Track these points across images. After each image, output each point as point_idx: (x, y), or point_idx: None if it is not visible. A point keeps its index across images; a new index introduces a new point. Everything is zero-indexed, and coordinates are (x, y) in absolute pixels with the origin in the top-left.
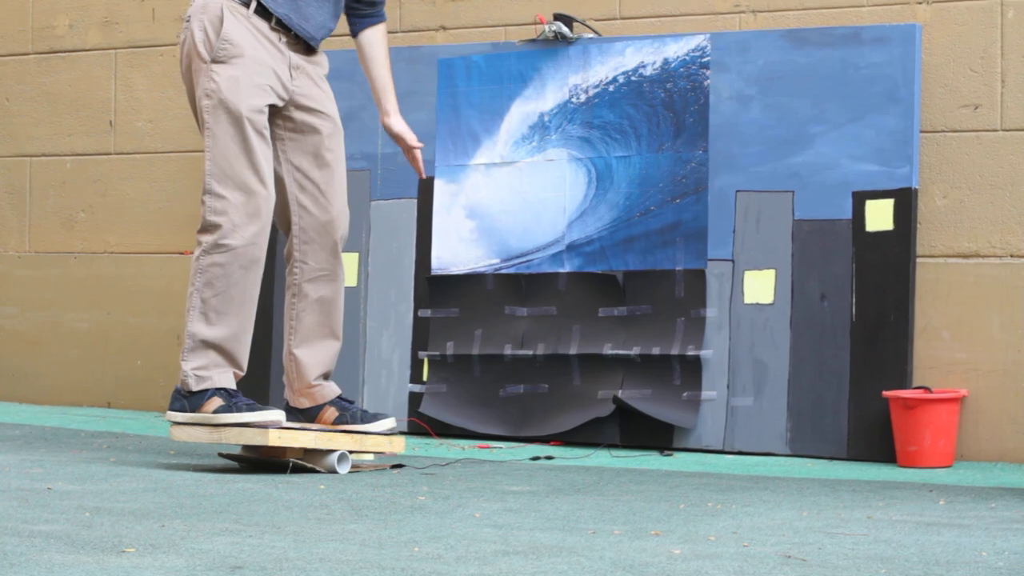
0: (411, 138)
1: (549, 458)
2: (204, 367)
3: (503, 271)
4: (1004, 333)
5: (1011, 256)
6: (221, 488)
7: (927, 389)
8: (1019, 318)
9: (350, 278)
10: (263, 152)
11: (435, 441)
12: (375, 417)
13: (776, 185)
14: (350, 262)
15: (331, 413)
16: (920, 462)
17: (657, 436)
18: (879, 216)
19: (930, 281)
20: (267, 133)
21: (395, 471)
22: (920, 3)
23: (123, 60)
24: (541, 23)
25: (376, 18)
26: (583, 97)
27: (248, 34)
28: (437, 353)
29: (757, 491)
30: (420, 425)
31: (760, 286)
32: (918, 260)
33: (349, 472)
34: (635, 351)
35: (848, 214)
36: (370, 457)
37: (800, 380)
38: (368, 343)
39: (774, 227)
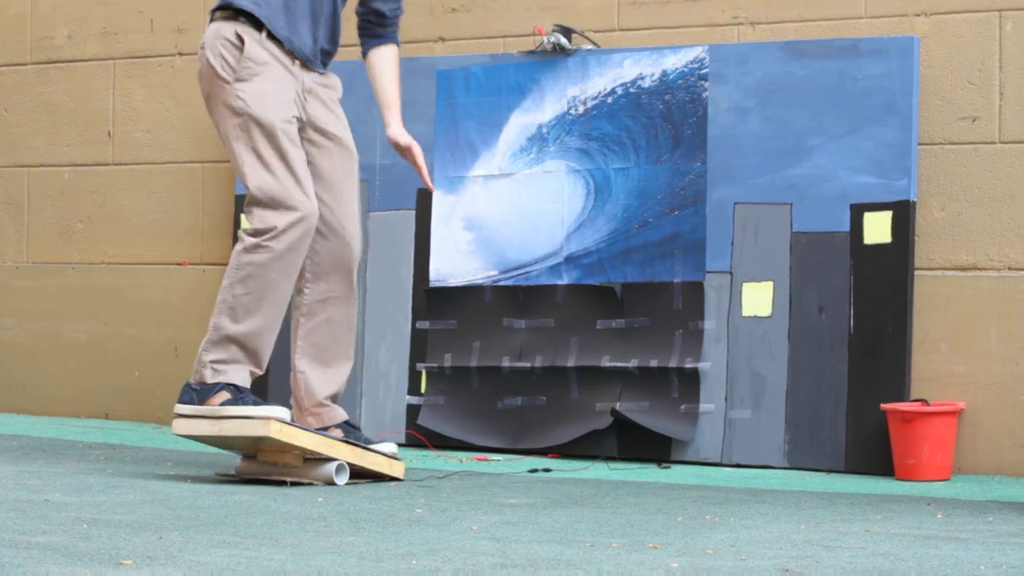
0: (417, 154)
1: (547, 470)
2: (222, 361)
3: (501, 283)
4: (1002, 346)
5: (1009, 269)
6: (219, 500)
7: (924, 402)
8: (1017, 331)
9: None
10: (299, 159)
11: (433, 453)
12: (379, 443)
13: (774, 197)
14: None
15: (337, 435)
16: (918, 475)
17: (655, 448)
18: (877, 228)
19: (928, 294)
20: (298, 143)
21: (393, 483)
22: (918, 15)
23: (121, 71)
24: (540, 34)
25: (387, 40)
26: (581, 109)
27: (267, 54)
28: (435, 365)
29: (755, 504)
30: (418, 437)
31: (758, 298)
32: (916, 272)
33: (347, 484)
34: (633, 363)
35: (846, 226)
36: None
37: (798, 393)
38: (366, 355)
39: (772, 239)
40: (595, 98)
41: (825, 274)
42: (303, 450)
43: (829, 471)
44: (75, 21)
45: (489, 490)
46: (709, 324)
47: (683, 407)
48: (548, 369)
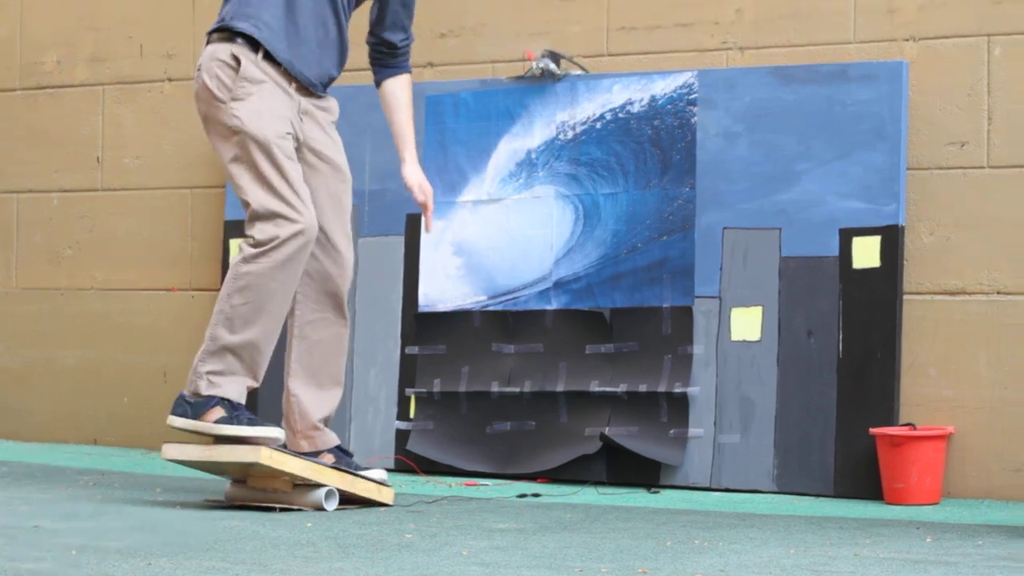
0: (418, 193)
1: (536, 495)
2: (218, 372)
3: (490, 308)
4: (991, 370)
5: (998, 293)
6: (208, 526)
7: (912, 426)
8: (1005, 355)
9: None
10: (297, 173)
11: (422, 478)
12: (368, 469)
13: (763, 222)
14: None
15: (328, 459)
16: (907, 499)
17: (644, 473)
18: (866, 253)
19: (917, 318)
20: (295, 157)
21: (382, 508)
22: (907, 40)
23: (111, 96)
24: (529, 60)
25: (399, 69)
26: (571, 134)
27: (263, 74)
28: (424, 390)
29: (744, 528)
30: (407, 463)
31: (747, 323)
32: (905, 297)
33: (336, 510)
34: (622, 388)
35: (835, 251)
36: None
37: (787, 417)
38: (355, 380)
39: (761, 264)
40: (584, 123)
41: (814, 298)
42: (293, 476)
43: (818, 495)
44: (64, 47)
45: (478, 515)
46: (698, 349)
47: (672, 432)
48: (537, 394)
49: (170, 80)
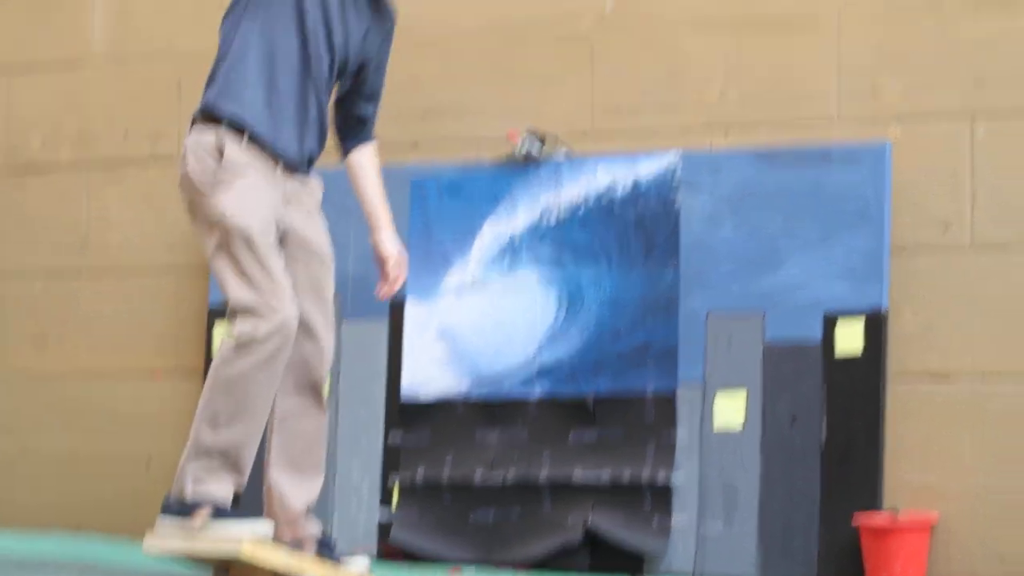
0: (393, 267)
1: None
2: (203, 475)
3: (474, 394)
4: (975, 456)
5: (982, 376)
6: None
7: (895, 510)
8: (990, 439)
9: None
10: (278, 267)
11: (406, 568)
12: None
13: (747, 305)
14: None
15: (311, 549)
16: None
17: (628, 562)
18: (850, 337)
19: (901, 401)
20: (277, 249)
21: None
22: (890, 121)
23: (96, 178)
24: (513, 142)
25: (365, 139)
26: (555, 217)
27: (250, 160)
28: (407, 479)
29: None
30: (390, 552)
31: (731, 408)
32: (889, 380)
33: None
34: (606, 475)
35: (819, 335)
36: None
37: (770, 504)
38: (338, 469)
39: (745, 349)
40: (568, 206)
41: (798, 383)
42: (275, 570)
43: None
44: (50, 128)
45: None
46: (681, 435)
47: (656, 520)
48: (520, 483)
49: (155, 162)
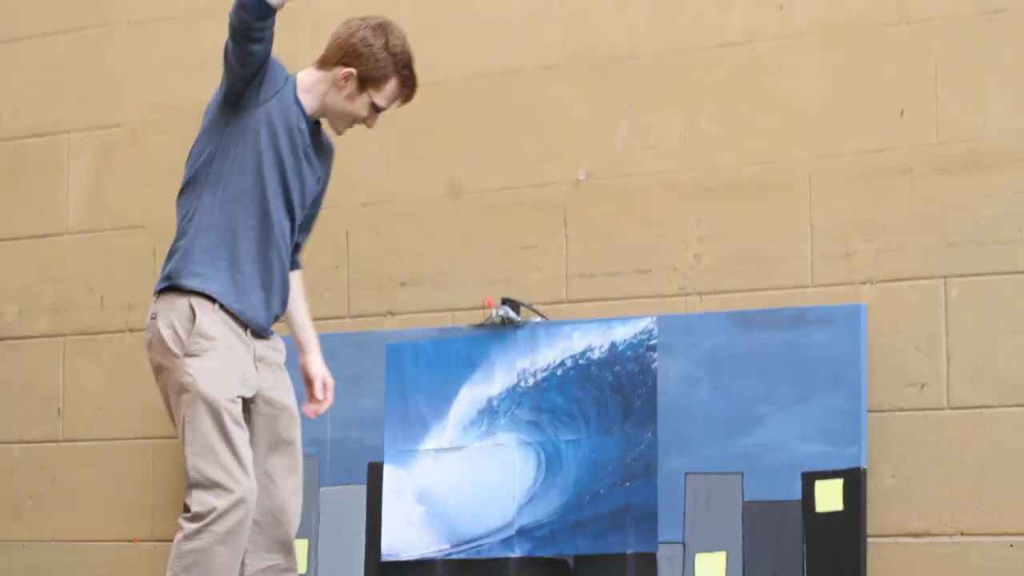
0: (319, 389)
1: None
2: None
3: (453, 556)
4: None
5: (961, 535)
6: None
7: None
8: None
9: (300, 565)
10: (242, 441)
11: None
12: None
13: (725, 466)
14: (300, 549)
15: None
16: None
17: None
18: (829, 496)
19: (881, 560)
20: (243, 423)
21: None
22: (864, 283)
23: (71, 347)
24: (489, 307)
25: (295, 266)
26: (531, 381)
27: (220, 327)
28: None
29: None
30: None
31: (711, 569)
32: (869, 540)
33: None
34: None
35: (798, 495)
36: None
37: None
38: None
39: (724, 509)
40: (545, 370)
41: (778, 543)
42: None
43: None
44: (25, 298)
45: None
46: None
47: None
48: None
49: (131, 331)
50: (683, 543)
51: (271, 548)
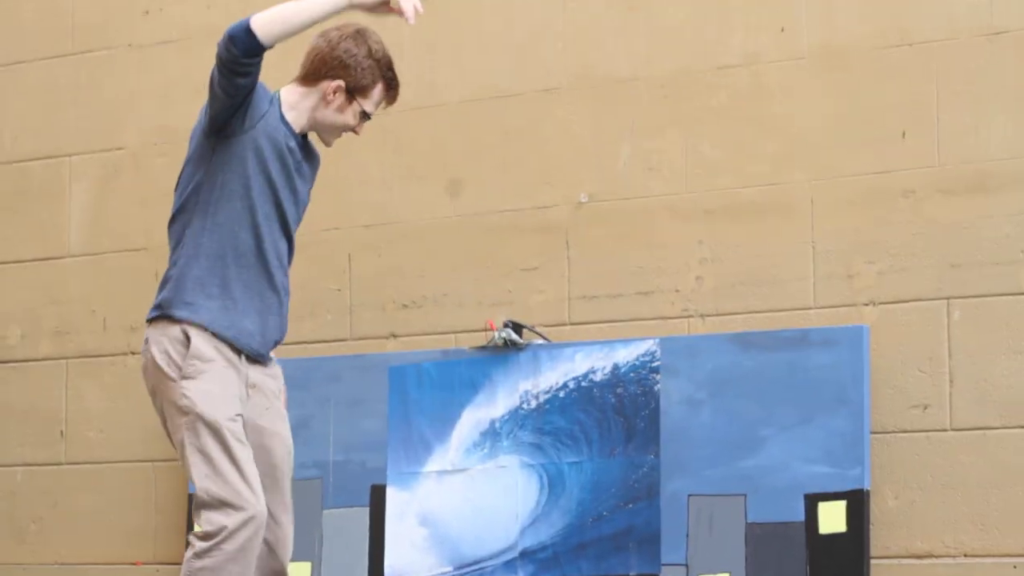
0: None
1: None
2: None
3: None
4: None
5: (964, 556)
6: None
7: None
8: None
9: None
10: (246, 458)
11: None
12: None
13: (728, 488)
14: (303, 571)
15: None
16: None
17: None
18: (832, 518)
19: None
20: (245, 440)
21: None
22: (867, 305)
23: (74, 370)
24: (491, 329)
25: None
26: (534, 403)
27: (213, 350)
28: None
29: None
30: None
31: None
32: (872, 561)
33: None
34: None
35: (801, 516)
36: None
37: None
38: None
39: (727, 531)
40: (547, 392)
41: (781, 565)
42: None
43: None
44: (28, 321)
45: None
46: None
47: None
48: None
49: (133, 353)
50: (686, 565)
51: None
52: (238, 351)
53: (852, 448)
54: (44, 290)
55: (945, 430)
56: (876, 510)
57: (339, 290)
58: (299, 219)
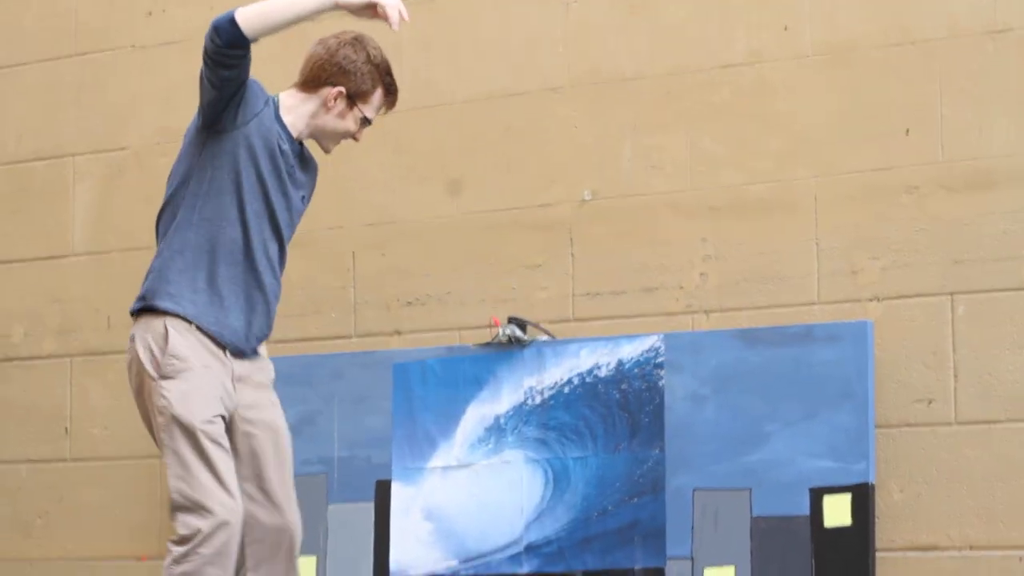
0: None
1: None
2: None
3: (462, 573)
4: None
5: (970, 548)
6: None
7: None
8: None
9: None
10: (223, 461)
11: None
12: None
13: (733, 483)
14: (308, 566)
15: None
16: None
17: None
18: (837, 512)
19: (889, 574)
20: (225, 442)
21: None
22: (871, 300)
23: (78, 368)
24: (495, 326)
25: None
26: (538, 399)
27: (195, 347)
28: None
29: None
30: None
31: None
32: (877, 554)
33: None
34: None
35: (806, 510)
36: None
37: None
38: None
39: (732, 525)
40: (552, 388)
41: (786, 558)
42: None
43: None
44: (32, 319)
45: None
46: None
47: None
48: None
49: None
50: (691, 558)
51: (274, 563)
52: (222, 346)
53: (857, 442)
54: (48, 289)
55: (950, 424)
56: (881, 504)
57: (343, 288)
58: (292, 225)
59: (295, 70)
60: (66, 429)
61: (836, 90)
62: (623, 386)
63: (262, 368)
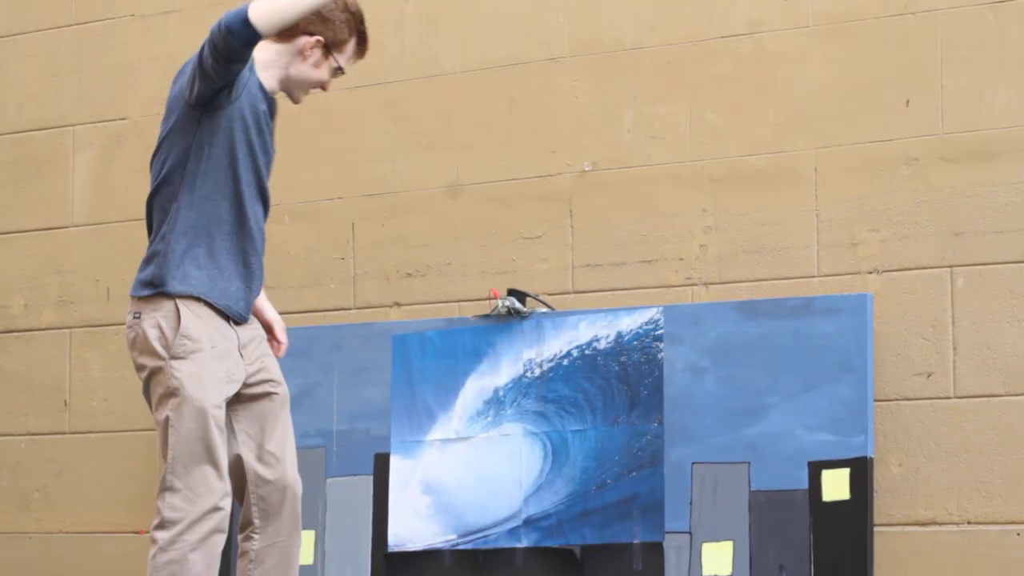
0: (280, 330)
1: None
2: None
3: (460, 547)
4: None
5: (968, 523)
6: None
7: None
8: None
9: (306, 556)
10: (222, 447)
11: None
12: None
13: (732, 456)
14: (306, 540)
15: None
16: None
17: None
18: (835, 485)
19: (888, 550)
20: (224, 427)
21: None
22: (871, 273)
23: (77, 339)
24: (495, 298)
25: None
26: (537, 371)
27: (205, 326)
28: None
29: None
30: None
31: (718, 558)
32: (876, 528)
33: None
34: None
35: (804, 484)
36: None
37: None
38: None
39: (731, 498)
40: (551, 360)
41: (785, 532)
42: None
43: None
44: (31, 290)
45: None
46: None
47: None
48: None
49: None
50: (690, 532)
51: (279, 521)
52: (227, 317)
53: (856, 416)
54: (47, 260)
55: (949, 397)
56: (880, 477)
57: (343, 259)
58: (269, 174)
59: None
60: (65, 402)
61: (836, 61)
62: (622, 358)
63: (254, 326)
